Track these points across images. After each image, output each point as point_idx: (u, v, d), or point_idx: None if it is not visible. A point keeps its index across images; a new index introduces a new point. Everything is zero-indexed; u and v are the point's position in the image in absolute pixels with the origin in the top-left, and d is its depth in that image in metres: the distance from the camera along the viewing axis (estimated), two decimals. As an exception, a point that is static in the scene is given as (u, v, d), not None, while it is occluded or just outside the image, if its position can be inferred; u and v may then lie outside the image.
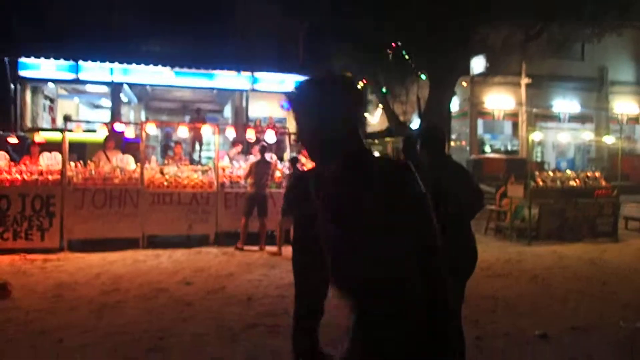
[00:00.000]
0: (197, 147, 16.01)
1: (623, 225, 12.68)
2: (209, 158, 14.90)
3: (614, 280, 7.70)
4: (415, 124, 18.46)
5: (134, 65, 16.50)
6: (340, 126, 1.73)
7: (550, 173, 12.84)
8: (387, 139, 16.47)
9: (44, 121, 17.67)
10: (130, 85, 17.51)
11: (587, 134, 20.79)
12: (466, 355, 3.90)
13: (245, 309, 5.90)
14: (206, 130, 11.20)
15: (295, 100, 1.85)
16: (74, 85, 17.65)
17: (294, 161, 9.94)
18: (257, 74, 17.41)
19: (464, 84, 20.36)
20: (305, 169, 9.86)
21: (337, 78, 1.83)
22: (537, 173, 12.44)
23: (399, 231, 1.65)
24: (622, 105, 23.60)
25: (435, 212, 1.71)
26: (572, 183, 12.03)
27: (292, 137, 14.43)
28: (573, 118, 22.83)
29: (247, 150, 12.40)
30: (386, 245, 1.64)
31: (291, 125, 18.77)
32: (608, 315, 5.82)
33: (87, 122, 15.94)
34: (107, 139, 11.10)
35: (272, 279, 7.30)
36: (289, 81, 17.51)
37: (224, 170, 10.68)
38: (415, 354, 1.64)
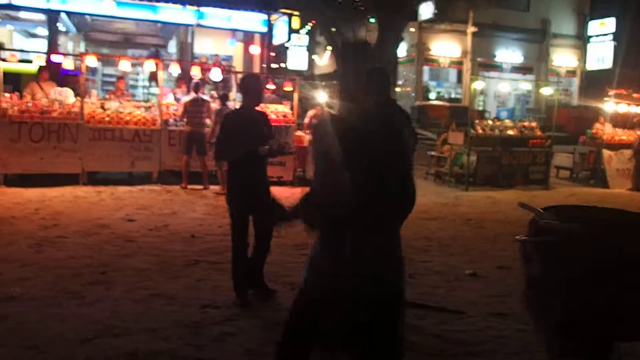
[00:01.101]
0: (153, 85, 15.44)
1: (554, 174, 13.40)
2: (153, 95, 14.50)
3: (540, 224, 8.20)
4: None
5: (73, -8, 15.57)
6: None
7: (490, 122, 13.27)
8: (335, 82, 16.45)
9: (-27, 49, 16.58)
10: (68, 13, 16.56)
11: (526, 85, 21.45)
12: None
13: (188, 246, 5.98)
14: (149, 65, 10.83)
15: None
16: (7, 11, 16.52)
17: (224, 98, 9.81)
18: (204, 9, 16.78)
19: (412, 29, 20.41)
20: (235, 106, 9.63)
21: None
22: (477, 121, 12.82)
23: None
24: (562, 58, 24.37)
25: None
26: (509, 132, 12.50)
27: (238, 75, 14.21)
28: (515, 69, 23.46)
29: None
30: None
31: (237, 64, 18.44)
32: (531, 255, 6.25)
33: (22, 51, 15.05)
34: (40, 69, 10.60)
35: (215, 217, 7.37)
36: (236, 18, 17.02)
37: (167, 107, 10.46)
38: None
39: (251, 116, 4.47)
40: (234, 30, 17.85)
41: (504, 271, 5.59)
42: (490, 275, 5.46)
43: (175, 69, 11.43)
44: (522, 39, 23.13)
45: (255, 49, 18.01)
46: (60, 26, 17.03)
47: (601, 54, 23.58)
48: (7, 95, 9.39)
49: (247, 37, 18.33)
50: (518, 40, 23.09)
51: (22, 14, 16.81)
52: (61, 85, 10.77)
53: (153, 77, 15.08)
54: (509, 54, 23.14)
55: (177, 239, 6.24)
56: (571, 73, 24.94)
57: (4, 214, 6.94)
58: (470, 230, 7.65)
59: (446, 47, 22.03)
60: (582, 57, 24.49)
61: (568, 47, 24.37)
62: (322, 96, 10.79)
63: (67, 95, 10.20)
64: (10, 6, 15.51)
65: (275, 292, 4.57)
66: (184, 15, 16.88)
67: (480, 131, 12.16)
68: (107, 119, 9.65)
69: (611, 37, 23.21)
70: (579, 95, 24.43)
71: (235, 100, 10.99)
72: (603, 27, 23.58)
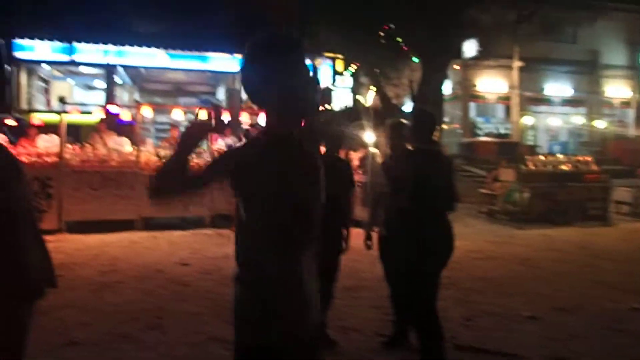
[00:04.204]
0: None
1: (614, 209, 12.87)
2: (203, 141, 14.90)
3: (601, 262, 7.89)
4: (408, 106, 18.54)
5: (128, 47, 16.45)
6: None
7: (542, 157, 12.99)
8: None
9: (39, 103, 17.62)
10: (124, 67, 17.46)
11: (579, 118, 20.94)
12: (450, 334, 4.07)
13: (241, 289, 6.02)
14: (201, 113, 11.21)
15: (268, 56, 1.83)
16: (69, 67, 17.59)
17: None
18: (250, 56, 17.34)
19: (456, 67, 20.43)
20: None
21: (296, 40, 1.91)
22: (528, 157, 12.58)
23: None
24: (614, 89, 23.70)
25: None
26: (562, 167, 12.19)
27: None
28: (565, 102, 22.97)
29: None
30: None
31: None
32: (593, 296, 6.00)
33: (83, 104, 15.91)
34: (100, 121, 11.08)
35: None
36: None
37: (218, 152, 10.74)
38: None
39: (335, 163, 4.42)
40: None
41: (561, 313, 5.38)
42: (548, 318, 5.25)
43: (225, 116, 11.75)
44: (571, 72, 22.68)
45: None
46: (117, 78, 17.93)
47: (655, 83, 22.91)
48: (70, 146, 9.86)
49: (294, 81, 18.74)
50: (567, 73, 22.66)
51: (82, 69, 17.82)
52: (118, 134, 11.26)
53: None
54: (558, 87, 22.73)
55: (230, 282, 6.27)
56: (625, 104, 24.18)
57: (66, 260, 7.20)
58: (526, 270, 7.41)
59: (492, 83, 21.88)
60: (637, 87, 23.78)
61: (620, 78, 23.71)
62: (368, 136, 10.84)
63: (124, 145, 10.64)
64: (72, 62, 16.51)
65: (337, 344, 4.38)
66: (232, 63, 17.50)
67: (532, 167, 11.92)
68: (161, 166, 9.96)
69: (666, 65, 22.56)
70: (635, 126, 23.61)
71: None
72: (655, 56, 23.00)
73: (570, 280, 6.78)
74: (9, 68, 15.91)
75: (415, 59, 16.68)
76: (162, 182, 1.87)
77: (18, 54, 15.98)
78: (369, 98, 21.92)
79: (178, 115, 11.26)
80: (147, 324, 4.83)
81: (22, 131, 10.58)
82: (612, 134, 14.50)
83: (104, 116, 11.38)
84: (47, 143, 10.02)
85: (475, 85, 21.81)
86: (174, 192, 1.91)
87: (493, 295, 6.04)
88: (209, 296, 5.71)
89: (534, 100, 22.52)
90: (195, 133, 1.91)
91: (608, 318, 5.25)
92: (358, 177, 9.84)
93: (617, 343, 4.62)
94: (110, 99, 16.60)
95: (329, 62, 19.31)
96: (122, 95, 19.64)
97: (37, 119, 11.13)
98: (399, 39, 16.48)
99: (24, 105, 16.39)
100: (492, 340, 4.57)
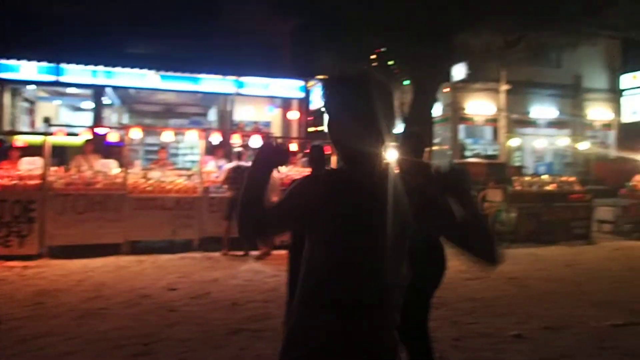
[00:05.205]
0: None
1: (597, 228, 13.04)
2: (193, 162, 14.89)
3: (586, 281, 7.98)
4: (399, 128, 18.66)
5: (117, 67, 16.42)
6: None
7: (528, 178, 13.13)
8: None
9: (23, 124, 17.45)
10: (113, 87, 17.40)
11: (563, 140, 21.25)
12: (439, 354, 4.05)
13: (230, 314, 5.99)
14: (191, 134, 11.24)
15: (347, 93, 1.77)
16: (55, 87, 17.46)
17: None
18: (243, 78, 17.44)
19: (446, 90, 20.70)
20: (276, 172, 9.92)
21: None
22: (515, 178, 12.71)
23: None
24: (596, 112, 24.22)
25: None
26: (548, 187, 12.32)
27: (278, 141, 14.52)
28: (550, 124, 23.36)
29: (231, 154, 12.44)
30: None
31: (276, 130, 18.88)
32: (579, 314, 6.04)
33: (69, 126, 15.80)
34: (87, 142, 10.99)
35: (256, 283, 7.39)
36: (275, 85, 17.59)
37: (208, 175, 10.73)
38: None
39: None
40: (272, 97, 18.41)
41: (550, 332, 5.41)
42: (537, 337, 5.28)
43: (216, 138, 11.77)
44: (555, 95, 23.14)
45: (293, 115, 18.46)
46: (105, 99, 17.84)
47: (635, 106, 23.44)
48: (55, 168, 9.73)
49: (285, 103, 18.83)
50: (552, 96, 23.09)
51: (69, 90, 17.69)
52: (106, 156, 11.17)
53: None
54: (543, 109, 23.11)
55: (219, 307, 6.25)
56: (607, 126, 24.66)
57: (48, 287, 7.08)
58: (514, 289, 7.44)
59: (480, 106, 22.18)
60: (617, 110, 24.28)
61: (602, 101, 24.24)
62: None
63: (111, 167, 10.56)
64: (59, 83, 16.39)
65: None
66: (224, 85, 17.55)
67: (519, 188, 12.03)
68: (149, 188, 9.93)
69: (644, 89, 23.10)
70: (616, 147, 24.02)
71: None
72: (635, 80, 23.55)
73: (557, 299, 6.83)
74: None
75: (407, 82, 16.88)
76: (245, 217, 1.82)
77: (2, 75, 15.81)
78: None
79: (168, 136, 11.23)
80: (134, 352, 4.75)
81: (4, 153, 10.43)
82: (594, 155, 14.73)
83: (90, 137, 11.30)
84: (30, 165, 9.87)
85: (464, 108, 22.08)
86: (259, 227, 1.84)
87: (482, 315, 6.06)
88: (198, 321, 5.65)
89: (520, 122, 22.84)
90: (273, 157, 1.86)
91: (594, 336, 5.29)
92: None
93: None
94: (98, 120, 16.51)
95: (322, 84, 19.40)
96: (111, 117, 19.55)
97: (20, 140, 11.02)
98: (391, 62, 16.69)
99: (7, 127, 16.19)
100: (482, 363, 4.56)
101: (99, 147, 11.62)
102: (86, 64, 16.14)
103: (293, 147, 12.38)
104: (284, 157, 1.88)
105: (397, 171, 1.83)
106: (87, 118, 17.91)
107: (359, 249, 1.71)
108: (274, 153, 1.86)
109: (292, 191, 1.82)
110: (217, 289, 7.15)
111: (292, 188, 1.82)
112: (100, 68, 16.32)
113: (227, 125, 17.64)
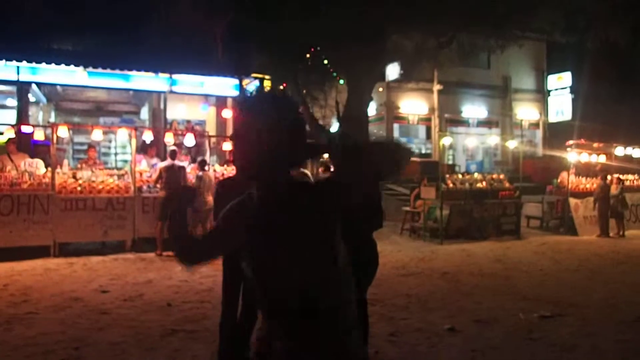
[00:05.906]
0: None
1: (525, 224, 13.67)
2: (125, 161, 14.48)
3: (515, 275, 8.33)
4: (334, 127, 18.86)
5: (43, 64, 15.69)
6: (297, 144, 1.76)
7: (460, 175, 13.59)
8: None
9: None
10: (39, 84, 16.63)
11: (493, 138, 22.14)
12: (374, 350, 4.13)
13: (164, 315, 5.86)
14: (122, 132, 10.93)
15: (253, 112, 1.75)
16: (-26, 84, 16.50)
17: (202, 163, 9.95)
18: (176, 76, 17.06)
19: (380, 89, 21.07)
20: (211, 170, 9.94)
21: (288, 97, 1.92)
22: (447, 176, 13.11)
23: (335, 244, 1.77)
24: (524, 112, 25.37)
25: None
26: (479, 185, 12.79)
27: (212, 140, 14.36)
28: (481, 123, 24.28)
29: (164, 153, 12.19)
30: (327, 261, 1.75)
31: (210, 128, 18.63)
32: (509, 307, 6.30)
33: (-9, 123, 14.97)
34: (9, 141, 10.50)
35: (192, 284, 7.27)
36: (209, 83, 17.33)
37: (141, 174, 10.46)
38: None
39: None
40: (206, 96, 18.12)
41: (481, 325, 5.61)
42: (468, 330, 5.47)
43: (149, 136, 11.49)
44: (485, 95, 24.09)
45: (227, 113, 18.27)
46: (30, 97, 17.04)
47: (560, 106, 24.73)
48: (-24, 169, 9.28)
49: (220, 102, 18.59)
50: (482, 96, 24.02)
51: (-10, 87, 16.80)
52: (32, 156, 10.70)
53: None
54: (474, 109, 23.98)
55: (153, 309, 6.11)
56: (534, 125, 25.89)
57: (-29, 292, 6.73)
58: (447, 284, 7.68)
59: (414, 105, 22.75)
60: (544, 110, 25.51)
61: (529, 101, 25.43)
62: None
63: (38, 167, 10.13)
64: (-24, 80, 15.50)
65: None
66: (156, 82, 17.08)
67: (451, 185, 12.42)
68: (79, 188, 9.59)
69: (568, 90, 24.39)
70: (543, 146, 25.26)
71: (210, 165, 11.07)
72: (560, 81, 24.83)
73: (488, 293, 7.10)
74: None
75: (342, 81, 17.06)
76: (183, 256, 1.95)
77: None
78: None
79: (98, 135, 10.85)
80: (64, 356, 4.58)
81: None
82: (523, 154, 15.44)
83: (13, 136, 10.78)
84: (-49, 166, 9.38)
85: (398, 107, 22.58)
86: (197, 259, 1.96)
87: (417, 310, 6.21)
88: (131, 324, 5.51)
89: (453, 121, 23.62)
90: (182, 200, 1.96)
91: (523, 327, 5.53)
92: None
93: (532, 351, 4.87)
94: (23, 118, 15.73)
95: (256, 82, 19.34)
96: (37, 115, 18.69)
97: (-64, 141, 10.38)
98: (326, 61, 16.80)
99: None
100: (416, 355, 4.69)
101: (25, 146, 11.11)
102: (9, 59, 15.34)
103: (227, 146, 12.28)
104: (192, 196, 2.00)
105: (324, 174, 1.88)
106: (11, 116, 17.04)
107: (282, 262, 1.73)
108: (183, 197, 1.96)
109: (218, 221, 1.89)
110: (151, 290, 6.99)
111: (219, 217, 1.88)
112: (24, 64, 15.55)
113: (160, 124, 17.23)
